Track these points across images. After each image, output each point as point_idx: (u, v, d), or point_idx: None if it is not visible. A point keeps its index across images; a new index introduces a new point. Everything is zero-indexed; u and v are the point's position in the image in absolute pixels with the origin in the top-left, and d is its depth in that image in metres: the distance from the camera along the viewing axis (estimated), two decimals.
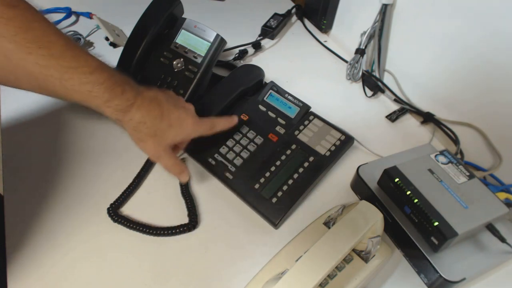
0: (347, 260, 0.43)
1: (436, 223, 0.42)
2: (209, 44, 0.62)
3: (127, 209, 0.52)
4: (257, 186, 0.52)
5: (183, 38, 0.63)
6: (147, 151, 0.47)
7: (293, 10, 0.94)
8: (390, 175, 0.47)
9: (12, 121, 0.62)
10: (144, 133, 0.45)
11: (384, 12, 0.68)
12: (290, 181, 0.52)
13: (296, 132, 0.57)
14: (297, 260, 0.37)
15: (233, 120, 0.54)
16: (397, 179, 0.47)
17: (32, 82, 0.39)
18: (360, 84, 0.75)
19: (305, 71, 0.78)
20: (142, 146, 0.47)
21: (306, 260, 0.37)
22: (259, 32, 0.87)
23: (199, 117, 0.50)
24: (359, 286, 0.42)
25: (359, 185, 0.54)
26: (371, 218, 0.41)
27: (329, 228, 0.45)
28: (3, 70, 0.38)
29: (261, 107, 0.61)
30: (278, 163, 0.54)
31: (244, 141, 0.57)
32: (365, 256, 0.43)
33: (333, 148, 0.56)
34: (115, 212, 0.51)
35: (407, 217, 0.46)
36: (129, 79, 0.45)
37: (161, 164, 0.49)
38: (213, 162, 0.56)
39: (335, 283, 0.41)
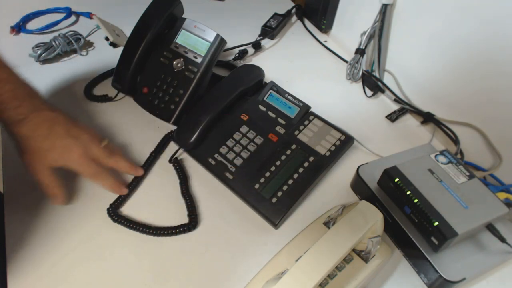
0: (347, 260, 0.43)
1: (436, 223, 0.42)
2: (209, 44, 0.62)
3: (127, 209, 0.52)
4: (257, 186, 0.52)
5: (183, 38, 0.63)
6: (25, 164, 0.47)
7: (293, 10, 0.94)
8: (390, 175, 0.47)
9: None
10: (25, 148, 0.46)
11: (384, 12, 0.68)
12: (290, 181, 0.52)
13: (296, 132, 0.57)
14: (297, 260, 0.37)
15: (119, 189, 0.52)
16: (397, 179, 0.47)
17: None
18: (360, 84, 0.75)
19: (305, 71, 0.78)
20: (23, 159, 0.46)
21: (306, 260, 0.37)
22: (259, 32, 0.87)
23: (91, 162, 0.48)
24: (359, 286, 0.42)
25: (359, 185, 0.54)
26: (371, 218, 0.41)
27: (329, 228, 0.45)
28: None
29: (261, 107, 0.61)
30: (278, 163, 0.54)
31: (244, 141, 0.57)
32: (365, 256, 0.43)
33: (333, 148, 0.56)
34: (115, 212, 0.51)
35: (407, 217, 0.46)
36: (36, 94, 0.47)
37: (38, 179, 0.47)
38: (213, 162, 0.56)
39: (335, 283, 0.41)
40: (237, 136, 0.57)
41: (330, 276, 0.41)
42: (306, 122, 0.58)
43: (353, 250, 0.44)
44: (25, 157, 0.46)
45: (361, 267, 0.42)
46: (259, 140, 0.57)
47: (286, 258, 0.42)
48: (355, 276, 0.42)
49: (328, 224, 0.46)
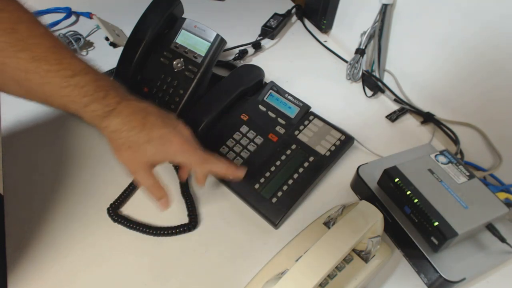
0: (347, 260, 0.43)
1: (436, 223, 0.42)
2: (209, 44, 0.62)
3: (127, 209, 0.52)
4: (257, 186, 0.52)
5: (183, 38, 0.63)
6: (123, 162, 0.43)
7: (293, 10, 0.94)
8: (390, 175, 0.47)
9: (13, 121, 0.62)
10: (119, 143, 0.41)
11: (384, 12, 0.68)
12: (290, 181, 0.52)
13: (296, 132, 0.57)
14: (297, 260, 0.37)
15: (235, 172, 0.47)
16: (397, 179, 0.47)
17: (17, 87, 0.38)
18: (360, 84, 0.75)
19: (305, 71, 0.78)
20: (118, 157, 0.42)
21: (306, 260, 0.37)
22: (259, 32, 0.87)
23: (197, 147, 0.44)
24: (359, 286, 0.42)
25: (359, 185, 0.54)
26: (371, 218, 0.41)
27: (329, 228, 0.45)
28: None
29: (261, 107, 0.61)
30: (278, 163, 0.54)
31: (244, 141, 0.57)
32: (365, 256, 0.43)
33: (333, 148, 0.56)
34: (115, 212, 0.51)
35: (407, 217, 0.46)
36: (119, 85, 0.42)
37: (139, 182, 0.44)
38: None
39: (335, 283, 0.41)
40: (237, 136, 0.57)
41: (330, 276, 0.41)
42: (306, 122, 0.58)
43: (353, 250, 0.44)
44: (120, 155, 0.42)
45: (361, 267, 0.42)
46: (259, 140, 0.57)
47: (286, 258, 0.42)
48: (355, 276, 0.42)
49: (328, 224, 0.46)
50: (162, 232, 0.49)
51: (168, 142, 0.42)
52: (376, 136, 0.64)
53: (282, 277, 0.36)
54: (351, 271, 0.42)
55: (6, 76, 0.37)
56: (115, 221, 0.50)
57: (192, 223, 0.50)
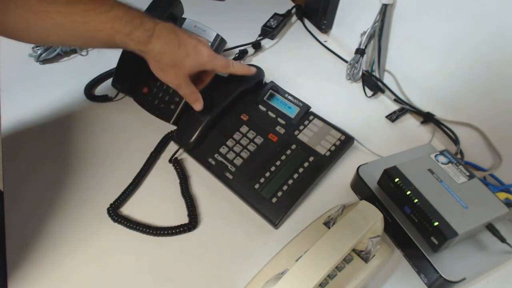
0: (347, 260, 0.43)
1: (436, 223, 0.42)
2: (209, 44, 0.62)
3: (127, 209, 0.52)
4: (257, 186, 0.52)
5: None
6: (168, 80, 0.50)
7: (293, 10, 0.94)
8: (390, 175, 0.47)
9: (13, 120, 0.62)
10: (164, 63, 0.48)
11: (384, 12, 0.68)
12: (290, 181, 0.52)
13: (296, 132, 0.57)
14: (297, 260, 0.37)
15: (251, 69, 0.57)
16: (397, 179, 0.47)
17: (60, 33, 0.42)
18: (360, 84, 0.75)
19: (305, 71, 0.78)
20: (162, 76, 0.49)
21: (306, 260, 0.37)
22: (259, 32, 0.87)
23: (217, 54, 0.52)
24: (359, 286, 0.42)
25: (359, 185, 0.54)
26: (371, 218, 0.41)
27: (329, 228, 0.45)
28: (34, 27, 0.41)
29: (261, 107, 0.60)
30: (278, 163, 0.54)
31: (244, 141, 0.57)
32: (365, 256, 0.43)
33: (333, 148, 0.56)
34: (115, 212, 0.51)
35: (407, 217, 0.46)
36: (143, 12, 0.47)
37: (180, 92, 0.52)
38: (213, 162, 0.56)
39: (335, 283, 0.41)
40: (237, 136, 0.57)
41: (330, 276, 0.41)
42: (306, 122, 0.58)
43: (353, 250, 0.44)
44: (165, 73, 0.49)
45: (361, 267, 0.42)
46: (259, 140, 0.57)
47: (286, 258, 0.42)
48: (355, 276, 0.42)
49: (328, 224, 0.46)
50: (162, 232, 0.49)
51: (200, 52, 0.49)
52: (376, 136, 0.64)
53: (282, 277, 0.36)
54: (351, 271, 0.42)
55: (51, 22, 0.41)
56: (115, 221, 0.50)
57: (192, 223, 0.50)
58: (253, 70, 0.57)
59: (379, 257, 0.43)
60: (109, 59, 0.72)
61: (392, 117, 0.68)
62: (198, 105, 0.54)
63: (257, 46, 0.82)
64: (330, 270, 0.37)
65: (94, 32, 0.43)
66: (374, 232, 0.42)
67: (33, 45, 0.73)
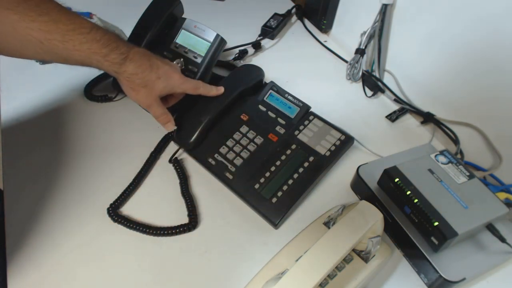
0: (347, 260, 0.43)
1: (436, 223, 0.42)
2: (209, 44, 0.62)
3: (127, 209, 0.52)
4: (257, 186, 0.52)
5: (183, 38, 0.63)
6: (139, 100, 0.52)
7: (293, 10, 0.94)
8: (390, 175, 0.47)
9: (12, 120, 0.62)
10: (136, 84, 0.50)
11: (384, 12, 0.68)
12: (290, 181, 0.52)
13: (296, 132, 0.57)
14: (297, 260, 0.37)
15: (218, 90, 0.58)
16: (397, 179, 0.47)
17: (37, 48, 0.43)
18: (360, 84, 0.75)
19: (305, 71, 0.78)
20: (134, 95, 0.51)
21: (306, 260, 0.37)
22: (259, 32, 0.87)
23: (187, 78, 0.55)
24: (359, 286, 0.42)
25: (359, 185, 0.54)
26: (371, 218, 0.41)
27: (329, 228, 0.45)
28: (11, 41, 0.42)
29: (261, 107, 0.60)
30: (278, 163, 0.54)
31: (244, 141, 0.57)
32: (365, 256, 0.43)
33: (333, 148, 0.56)
34: (115, 212, 0.51)
35: (407, 217, 0.46)
36: (119, 36, 0.49)
37: (151, 112, 0.54)
38: (213, 162, 0.56)
39: (335, 283, 0.41)
40: (237, 136, 0.57)
41: (330, 276, 0.41)
42: (306, 122, 0.58)
43: (353, 250, 0.44)
44: (137, 93, 0.51)
45: (361, 267, 0.42)
46: (259, 140, 0.57)
47: (286, 258, 0.42)
48: (355, 276, 0.42)
49: (328, 224, 0.46)
50: (162, 232, 0.49)
51: (171, 77, 0.52)
52: (376, 136, 0.64)
53: (282, 277, 0.36)
54: (351, 271, 0.42)
55: (31, 39, 0.42)
56: (115, 221, 0.50)
57: (192, 223, 0.50)
58: (221, 90, 0.58)
59: (379, 257, 0.43)
60: None
61: (392, 117, 0.68)
62: (169, 126, 0.56)
63: (257, 46, 0.82)
64: (330, 270, 0.36)
65: (71, 51, 0.45)
66: (374, 232, 0.42)
67: None
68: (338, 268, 0.42)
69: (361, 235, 0.39)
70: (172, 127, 0.56)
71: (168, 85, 0.52)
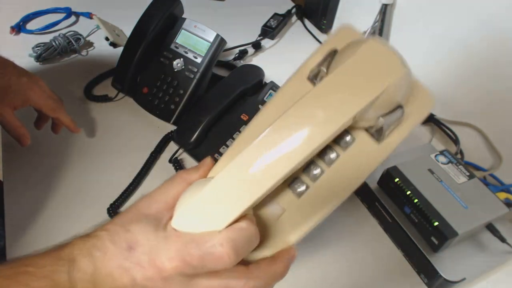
0: (345, 143, 0.27)
1: (436, 223, 0.42)
2: (209, 44, 0.62)
3: None
4: None
5: (183, 38, 0.63)
6: None
7: (293, 10, 0.94)
8: (390, 175, 0.47)
9: None
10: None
11: (384, 12, 0.68)
12: None
13: None
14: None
15: (76, 127, 0.57)
16: (397, 179, 0.47)
17: None
18: None
19: None
20: None
21: (269, 135, 0.23)
22: (259, 32, 0.87)
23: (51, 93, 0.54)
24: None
25: None
26: (388, 72, 0.24)
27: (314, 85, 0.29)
28: None
29: (261, 107, 0.60)
30: None
31: None
32: (376, 133, 0.27)
33: None
34: (115, 212, 0.51)
35: (407, 217, 0.46)
36: None
37: (5, 124, 0.50)
38: (213, 162, 0.55)
39: (327, 182, 0.26)
40: (237, 136, 0.57)
41: (315, 173, 0.26)
42: None
43: (355, 125, 0.26)
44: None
45: (371, 150, 0.26)
46: None
47: (249, 139, 0.25)
48: (362, 167, 0.26)
49: (314, 79, 0.29)
50: None
51: (30, 90, 0.51)
52: None
53: (212, 180, 0.24)
54: (353, 158, 0.26)
55: None
56: None
57: None
58: (76, 131, 0.57)
59: (401, 131, 0.27)
60: (109, 59, 0.72)
61: None
62: (23, 141, 0.52)
63: (257, 46, 0.82)
64: (303, 159, 0.22)
65: None
66: (391, 100, 0.25)
67: (33, 45, 0.73)
68: (326, 160, 0.26)
69: (372, 97, 0.23)
70: (27, 139, 0.52)
71: (27, 98, 0.51)
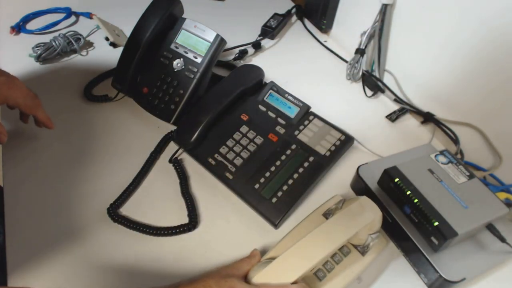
0: (344, 253, 0.44)
1: (436, 223, 0.42)
2: (209, 44, 0.62)
3: (127, 209, 0.52)
4: (257, 186, 0.52)
5: (183, 38, 0.63)
6: None
7: (293, 10, 0.94)
8: (390, 175, 0.47)
9: (12, 121, 0.62)
10: None
11: (384, 12, 0.68)
12: (290, 181, 0.52)
13: (296, 132, 0.57)
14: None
15: (50, 125, 0.57)
16: (397, 179, 0.47)
17: None
18: (360, 84, 0.75)
19: (305, 71, 0.78)
20: None
21: (299, 246, 0.39)
22: (259, 32, 0.87)
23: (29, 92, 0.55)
24: (356, 277, 0.43)
25: (359, 185, 0.54)
26: (370, 214, 0.42)
27: (327, 219, 0.46)
28: None
29: (261, 107, 0.60)
30: (278, 163, 0.54)
31: (244, 141, 0.57)
32: (362, 250, 0.44)
33: (333, 148, 0.56)
34: (115, 212, 0.51)
35: (407, 217, 0.46)
36: None
37: None
38: (213, 162, 0.56)
39: (333, 275, 0.43)
40: (237, 136, 0.57)
41: (328, 269, 0.43)
42: (306, 122, 0.58)
43: (351, 243, 0.44)
44: None
45: (358, 259, 0.44)
46: (259, 140, 0.57)
47: (283, 247, 0.43)
48: (352, 269, 0.43)
49: (327, 215, 0.47)
50: (162, 232, 0.49)
51: (11, 87, 0.52)
52: (376, 136, 0.64)
53: (273, 261, 0.37)
54: (348, 263, 0.44)
55: None
56: (115, 221, 0.50)
57: (192, 223, 0.50)
58: (50, 126, 0.58)
59: (376, 250, 0.45)
60: (109, 59, 0.72)
61: (392, 117, 0.68)
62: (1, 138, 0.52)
63: (257, 46, 0.82)
64: (322, 259, 0.38)
65: None
66: (372, 228, 0.43)
67: (33, 45, 0.73)
68: (336, 260, 0.44)
69: (358, 229, 0.41)
70: (5, 137, 0.52)
71: (4, 95, 0.51)
